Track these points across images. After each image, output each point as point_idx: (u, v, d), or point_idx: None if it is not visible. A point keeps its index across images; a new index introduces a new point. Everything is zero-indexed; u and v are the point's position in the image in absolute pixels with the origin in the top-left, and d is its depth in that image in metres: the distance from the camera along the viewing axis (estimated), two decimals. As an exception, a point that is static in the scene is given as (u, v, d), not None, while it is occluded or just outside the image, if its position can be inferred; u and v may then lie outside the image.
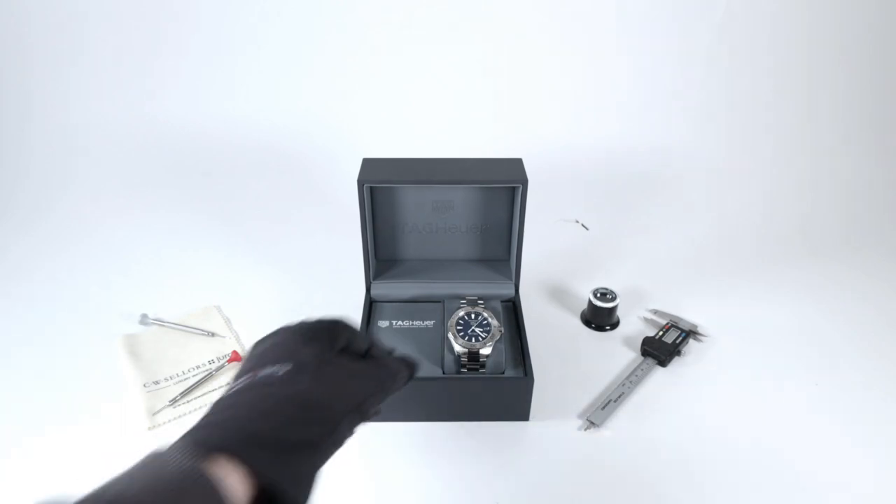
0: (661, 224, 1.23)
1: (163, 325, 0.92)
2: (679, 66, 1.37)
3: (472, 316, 0.78)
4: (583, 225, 1.05)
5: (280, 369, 0.38)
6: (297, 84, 1.39)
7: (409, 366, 0.47)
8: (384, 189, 0.87)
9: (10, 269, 1.08)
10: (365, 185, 0.80)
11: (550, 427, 0.76)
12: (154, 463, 0.30)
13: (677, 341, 0.88)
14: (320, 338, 0.43)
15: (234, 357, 0.85)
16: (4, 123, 1.39)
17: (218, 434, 0.33)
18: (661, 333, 0.90)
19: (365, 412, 0.40)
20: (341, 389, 0.38)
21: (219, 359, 0.86)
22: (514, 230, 0.87)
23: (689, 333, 0.90)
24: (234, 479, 0.31)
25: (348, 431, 0.39)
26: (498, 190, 0.87)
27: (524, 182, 0.80)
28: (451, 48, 1.35)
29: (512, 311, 0.87)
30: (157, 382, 0.82)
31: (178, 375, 0.83)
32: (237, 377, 0.40)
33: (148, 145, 1.38)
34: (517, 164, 0.84)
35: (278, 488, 0.32)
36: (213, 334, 0.91)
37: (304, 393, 0.36)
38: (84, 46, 1.35)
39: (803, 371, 0.86)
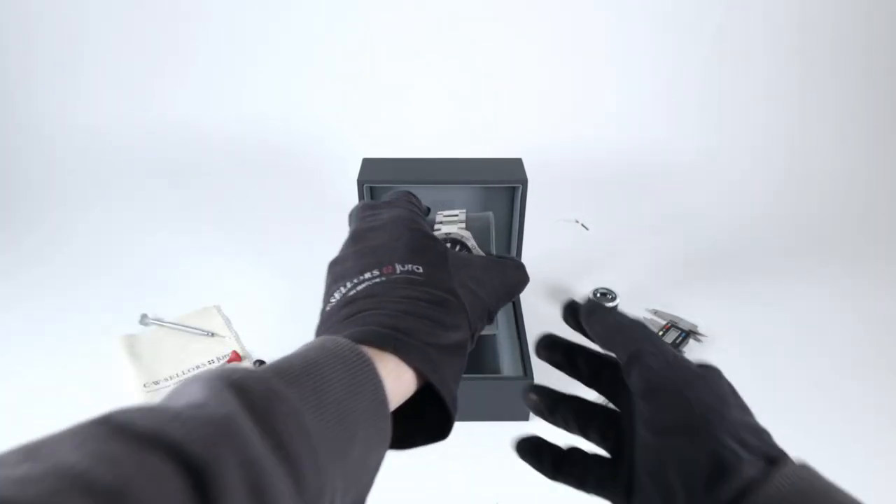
0: (662, 224, 1.23)
1: (163, 325, 0.92)
2: (680, 66, 1.37)
3: (449, 243, 0.55)
4: (583, 225, 1.05)
5: (415, 268, 0.34)
6: (297, 85, 1.39)
7: (524, 270, 0.41)
8: (384, 189, 0.87)
9: (11, 270, 1.08)
10: (365, 185, 0.80)
11: (551, 427, 0.76)
12: (325, 345, 0.27)
13: (677, 341, 0.88)
14: (433, 237, 0.38)
15: (234, 357, 0.85)
16: (6, 125, 1.39)
17: (380, 334, 0.29)
18: (661, 333, 0.90)
19: (492, 317, 0.37)
20: (480, 292, 0.35)
21: (219, 359, 0.86)
22: (514, 230, 0.87)
23: (688, 333, 0.90)
24: (405, 377, 0.29)
25: (477, 337, 0.36)
26: (498, 190, 0.87)
27: (524, 182, 0.80)
28: (451, 48, 1.35)
29: (512, 311, 0.87)
30: (157, 382, 0.82)
31: (178, 375, 0.83)
32: (357, 271, 0.34)
33: (148, 146, 1.38)
34: (517, 164, 0.84)
35: (444, 389, 0.29)
36: (212, 334, 0.91)
37: (447, 294, 0.33)
38: (85, 48, 1.35)
39: (803, 371, 0.86)
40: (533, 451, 0.36)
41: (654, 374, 0.29)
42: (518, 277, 0.39)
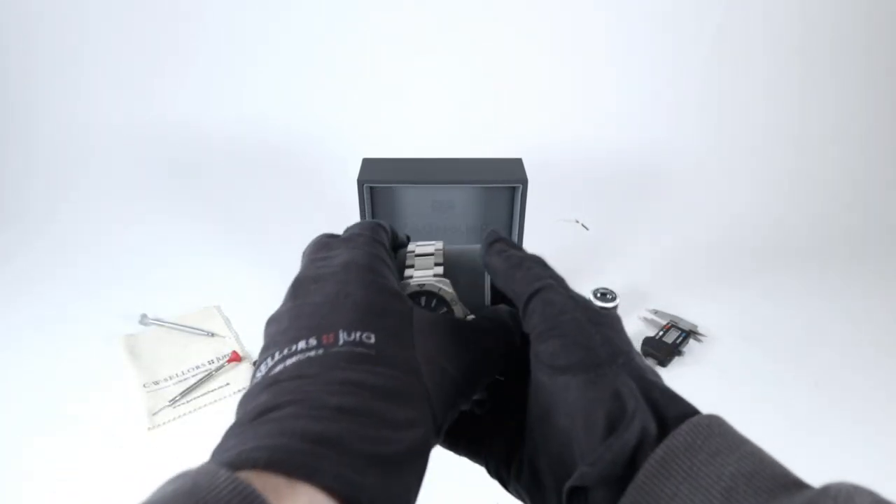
0: (662, 224, 1.23)
1: (163, 325, 0.92)
2: (680, 66, 1.37)
3: (423, 298, 0.36)
4: (583, 225, 1.05)
5: (364, 337, 0.25)
6: (297, 85, 1.39)
7: (516, 330, 0.31)
8: (384, 189, 0.87)
9: (12, 270, 1.08)
10: (365, 185, 0.80)
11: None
12: (197, 483, 0.18)
13: (677, 341, 0.88)
14: (396, 292, 0.28)
15: (234, 357, 0.85)
16: (5, 125, 1.39)
17: (293, 452, 0.20)
18: (661, 333, 0.90)
19: (467, 403, 0.29)
20: (452, 370, 0.27)
21: (218, 359, 0.86)
22: (514, 230, 0.87)
23: (689, 333, 0.90)
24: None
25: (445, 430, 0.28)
26: (498, 190, 0.87)
27: (524, 182, 0.80)
28: (451, 49, 1.35)
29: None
30: (156, 382, 0.82)
31: (177, 375, 0.83)
32: (289, 338, 0.25)
33: (148, 147, 1.38)
34: (517, 164, 0.84)
35: None
36: (212, 334, 0.91)
37: (404, 376, 0.25)
38: (85, 48, 1.35)
39: (803, 371, 0.86)
40: None
41: (557, 308, 0.27)
42: (506, 346, 0.30)
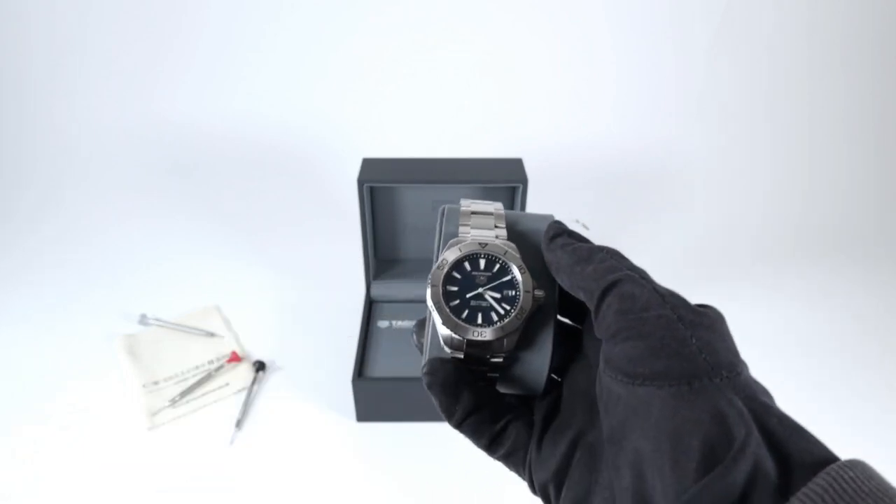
0: (661, 224, 1.23)
1: (162, 325, 0.92)
2: (681, 66, 1.37)
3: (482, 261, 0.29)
4: (583, 224, 1.05)
5: None
6: (297, 84, 1.39)
7: None
8: (384, 189, 0.87)
9: (11, 270, 1.08)
10: (365, 185, 0.80)
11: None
12: None
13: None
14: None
15: (234, 357, 0.85)
16: (4, 125, 1.39)
17: None
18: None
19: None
20: None
21: (218, 359, 0.86)
22: (514, 230, 0.86)
23: (689, 334, 0.90)
24: None
25: None
26: (498, 190, 0.87)
27: (524, 182, 0.80)
28: (451, 48, 1.35)
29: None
30: (156, 382, 0.82)
31: (177, 375, 0.83)
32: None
33: (147, 146, 1.38)
34: (517, 164, 0.84)
35: None
36: (212, 334, 0.91)
37: None
38: (84, 46, 1.35)
39: (803, 371, 0.86)
40: (447, 382, 0.26)
41: (639, 304, 0.21)
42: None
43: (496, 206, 0.30)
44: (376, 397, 0.76)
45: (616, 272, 0.23)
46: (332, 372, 0.84)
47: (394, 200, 0.88)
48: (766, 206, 1.29)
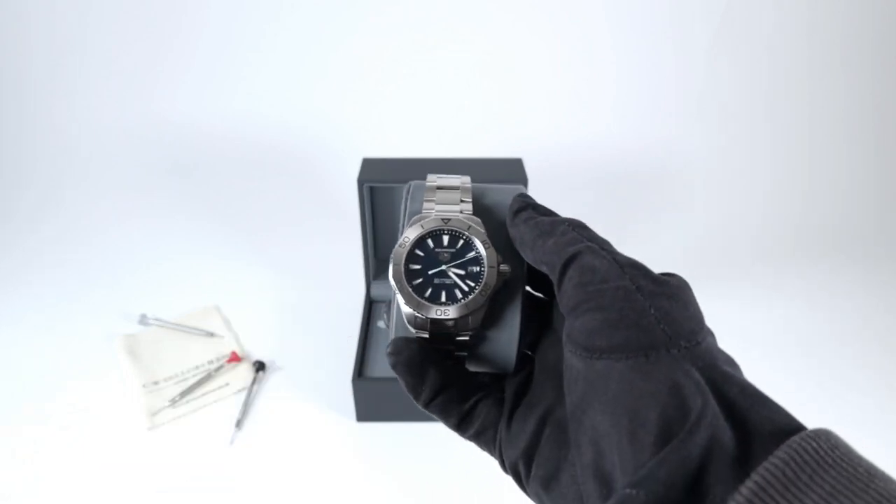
0: (661, 224, 1.23)
1: (162, 325, 0.92)
2: (679, 65, 1.37)
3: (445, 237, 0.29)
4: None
5: None
6: (297, 84, 1.39)
7: None
8: (384, 189, 0.87)
9: (11, 270, 1.08)
10: (365, 185, 0.80)
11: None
12: None
13: (677, 341, 0.88)
14: None
15: (234, 357, 0.85)
16: (4, 125, 1.39)
17: None
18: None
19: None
20: None
21: (218, 359, 0.86)
22: (514, 230, 0.86)
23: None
24: None
25: None
26: (498, 190, 0.87)
27: (524, 182, 0.80)
28: (451, 48, 1.35)
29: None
30: (156, 382, 0.82)
31: (177, 375, 0.83)
32: None
33: (147, 146, 1.38)
34: (517, 164, 0.84)
35: None
36: (212, 334, 0.90)
37: None
38: (84, 46, 1.35)
39: (803, 371, 0.86)
40: (412, 362, 0.24)
41: (598, 275, 0.21)
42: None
43: (463, 180, 0.29)
44: (376, 397, 0.76)
45: (576, 244, 0.23)
46: (331, 372, 0.84)
47: (394, 200, 0.88)
48: (766, 206, 1.29)
